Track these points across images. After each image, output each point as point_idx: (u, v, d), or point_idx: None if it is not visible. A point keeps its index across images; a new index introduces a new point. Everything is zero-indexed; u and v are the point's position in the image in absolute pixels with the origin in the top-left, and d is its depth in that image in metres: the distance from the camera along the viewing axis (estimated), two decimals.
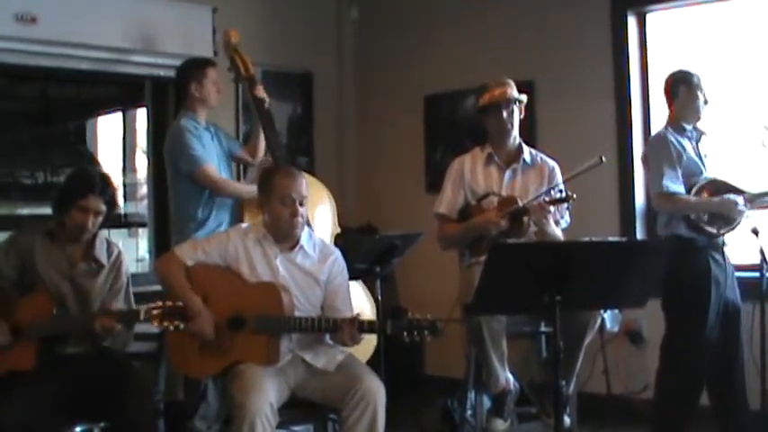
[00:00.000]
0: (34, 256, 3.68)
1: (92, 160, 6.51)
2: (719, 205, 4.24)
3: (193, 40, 5.31)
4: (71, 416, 3.50)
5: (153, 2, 5.28)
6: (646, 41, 5.34)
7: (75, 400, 3.49)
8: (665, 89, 4.45)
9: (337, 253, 3.79)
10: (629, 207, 5.29)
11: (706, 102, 4.40)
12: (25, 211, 6.02)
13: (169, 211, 4.66)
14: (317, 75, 6.31)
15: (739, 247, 4.46)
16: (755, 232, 4.19)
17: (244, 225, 3.91)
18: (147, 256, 5.86)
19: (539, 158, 4.36)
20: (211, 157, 4.40)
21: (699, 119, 4.42)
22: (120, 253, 3.83)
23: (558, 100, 5.51)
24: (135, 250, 6.15)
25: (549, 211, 4.01)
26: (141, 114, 5.93)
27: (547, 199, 4.04)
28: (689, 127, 4.39)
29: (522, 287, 3.17)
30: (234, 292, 3.58)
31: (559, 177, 4.25)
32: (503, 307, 3.52)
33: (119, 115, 6.50)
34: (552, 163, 4.36)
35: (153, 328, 3.51)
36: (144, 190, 5.97)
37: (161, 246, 5.39)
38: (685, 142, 4.35)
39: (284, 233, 3.65)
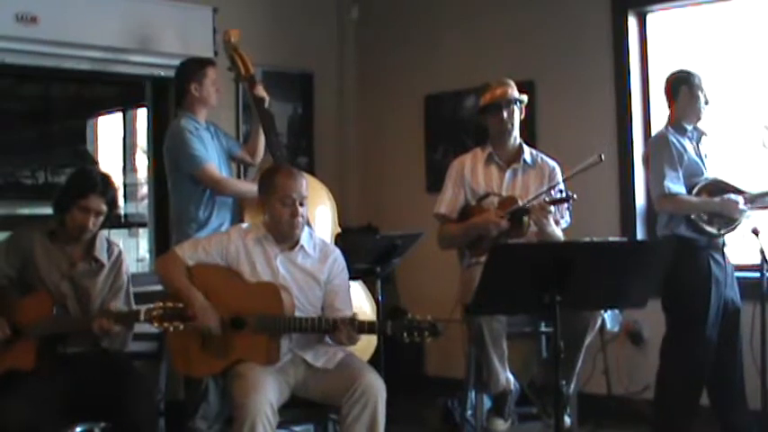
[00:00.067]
0: (34, 255, 3.68)
1: (92, 160, 6.52)
2: (720, 205, 4.25)
3: (194, 40, 5.31)
4: (72, 416, 3.50)
5: (153, 2, 5.28)
6: (646, 41, 5.34)
7: (76, 400, 3.49)
8: (666, 89, 4.45)
9: (337, 252, 3.79)
10: (629, 207, 5.29)
11: (707, 102, 4.40)
12: (26, 210, 6.02)
13: (169, 211, 4.66)
14: (318, 75, 6.31)
15: (740, 248, 4.47)
16: (756, 232, 4.19)
17: (244, 225, 3.91)
18: (147, 255, 5.86)
19: (539, 158, 4.36)
20: (212, 157, 4.40)
21: (699, 119, 4.42)
22: (120, 253, 3.83)
23: (558, 100, 5.51)
24: (135, 250, 6.15)
25: (550, 212, 4.01)
26: (142, 114, 5.93)
27: (547, 199, 4.04)
28: (689, 127, 4.39)
29: (522, 287, 3.16)
30: (234, 291, 3.58)
31: (560, 177, 4.25)
32: (503, 307, 3.52)
33: (119, 115, 6.50)
34: (553, 163, 4.36)
35: (153, 328, 3.51)
36: (144, 190, 5.97)
37: (161, 246, 5.39)
38: (686, 142, 4.35)
39: (284, 233, 3.65)
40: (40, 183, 6.03)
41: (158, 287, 3.79)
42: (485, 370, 4.04)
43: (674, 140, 4.31)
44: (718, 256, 4.28)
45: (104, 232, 3.84)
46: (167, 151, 4.46)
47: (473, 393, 4.31)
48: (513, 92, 4.29)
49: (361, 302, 4.33)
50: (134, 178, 6.30)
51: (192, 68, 4.50)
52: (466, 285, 4.01)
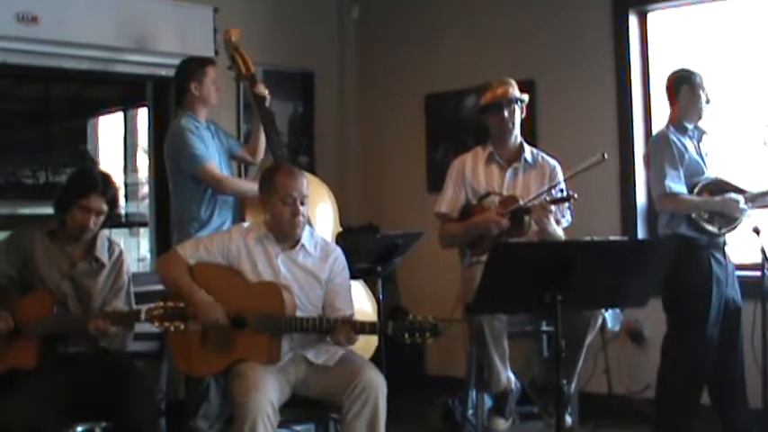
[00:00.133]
0: (35, 255, 3.68)
1: (93, 160, 6.52)
2: (721, 204, 4.24)
3: (194, 39, 5.30)
4: (73, 415, 3.50)
5: (154, 2, 5.28)
6: (647, 40, 5.34)
7: (77, 400, 3.49)
8: (667, 88, 4.45)
9: (338, 251, 3.79)
10: (630, 206, 5.29)
11: (708, 101, 4.39)
12: (26, 210, 6.03)
13: (170, 210, 4.66)
14: (319, 74, 6.31)
15: (740, 247, 4.47)
16: (757, 231, 4.19)
17: (245, 224, 3.91)
18: (148, 255, 5.87)
19: (540, 158, 4.36)
20: (213, 156, 4.39)
21: (700, 118, 4.42)
22: (121, 252, 3.84)
23: (559, 99, 5.51)
24: (136, 250, 6.16)
25: (551, 211, 4.01)
26: (142, 114, 5.93)
27: (548, 198, 4.03)
28: (690, 126, 4.39)
29: (523, 286, 3.16)
30: (236, 291, 3.58)
31: (561, 176, 4.25)
32: (504, 306, 3.52)
33: (120, 115, 6.51)
34: (553, 162, 4.36)
35: (154, 327, 3.51)
36: (145, 189, 5.97)
37: (162, 245, 5.40)
38: (687, 142, 4.35)
39: (285, 232, 3.65)
40: (41, 182, 6.04)
41: (159, 287, 3.79)
42: (486, 369, 4.04)
43: (675, 139, 4.31)
44: (719, 256, 4.28)
45: (105, 232, 3.84)
46: (168, 150, 4.46)
47: (474, 392, 4.31)
48: (514, 91, 4.29)
49: (362, 302, 4.33)
50: (135, 178, 6.31)
51: (192, 67, 4.50)
52: (467, 284, 4.01)
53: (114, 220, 3.94)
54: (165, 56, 5.23)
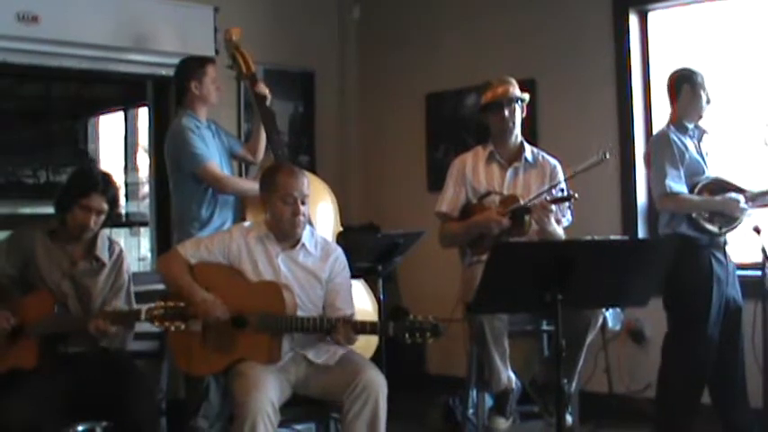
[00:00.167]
0: (35, 254, 3.68)
1: (93, 159, 6.52)
2: (721, 204, 4.24)
3: (195, 39, 5.30)
4: (73, 414, 3.50)
5: (155, 1, 5.28)
6: (647, 39, 5.34)
7: (78, 399, 3.49)
8: (668, 87, 4.44)
9: (339, 251, 3.79)
10: (630, 206, 5.29)
11: (709, 101, 4.39)
12: (27, 210, 6.03)
13: (171, 210, 4.66)
14: (319, 73, 6.31)
15: (741, 246, 4.46)
16: (757, 231, 4.19)
17: (246, 223, 3.90)
18: (148, 254, 5.87)
19: (540, 157, 4.36)
20: (213, 155, 4.39)
21: (701, 117, 4.42)
22: (121, 252, 3.84)
23: (559, 98, 5.51)
24: (137, 249, 6.16)
25: (551, 210, 4.01)
26: (143, 113, 5.93)
27: (548, 198, 4.03)
28: (691, 126, 4.39)
29: (523, 286, 3.16)
30: (236, 290, 3.58)
31: (561, 176, 4.25)
32: (504, 305, 3.52)
33: (120, 114, 6.51)
34: (554, 161, 4.36)
35: (154, 327, 3.51)
36: (146, 189, 5.98)
37: (163, 245, 5.40)
38: (687, 141, 4.35)
39: (286, 232, 3.65)
40: (42, 182, 6.04)
41: (160, 286, 3.79)
42: (486, 368, 4.04)
43: (676, 139, 4.31)
44: (719, 255, 4.28)
45: (106, 231, 3.84)
46: (168, 150, 4.46)
47: (475, 392, 4.31)
48: (515, 90, 4.29)
49: (362, 301, 4.33)
50: (135, 177, 6.31)
51: (192, 66, 4.50)
52: (467, 284, 4.01)
53: (115, 220, 3.94)
54: (166, 55, 5.23)
